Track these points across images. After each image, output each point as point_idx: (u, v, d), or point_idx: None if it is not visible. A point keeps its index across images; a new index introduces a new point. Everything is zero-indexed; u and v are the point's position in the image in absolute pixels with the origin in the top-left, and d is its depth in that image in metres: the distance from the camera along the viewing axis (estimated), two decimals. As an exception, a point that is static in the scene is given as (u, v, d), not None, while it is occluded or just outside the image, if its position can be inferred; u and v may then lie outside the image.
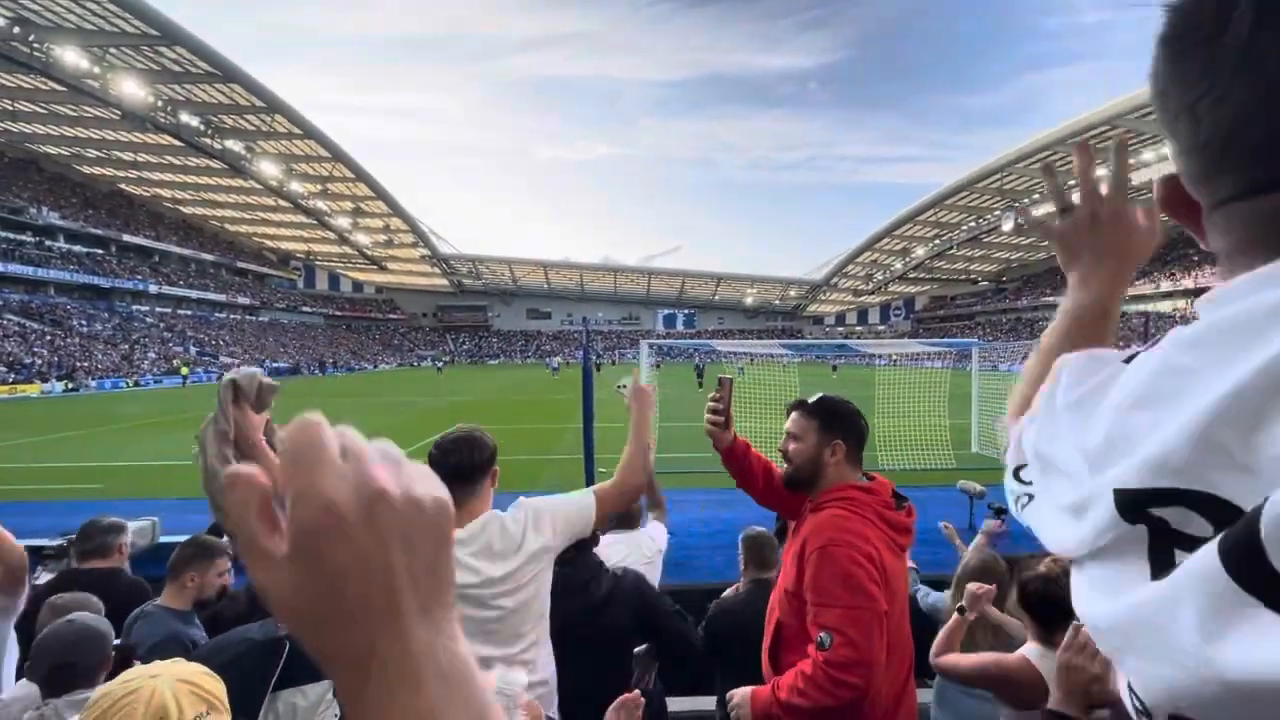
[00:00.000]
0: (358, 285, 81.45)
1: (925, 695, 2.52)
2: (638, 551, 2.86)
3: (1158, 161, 37.11)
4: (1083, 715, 1.22)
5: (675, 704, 2.67)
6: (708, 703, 2.63)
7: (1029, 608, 1.76)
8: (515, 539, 1.73)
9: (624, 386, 1.99)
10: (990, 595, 2.03)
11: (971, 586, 2.05)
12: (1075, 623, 1.33)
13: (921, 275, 76.78)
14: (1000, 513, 6.81)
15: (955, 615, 2.02)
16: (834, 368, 41.88)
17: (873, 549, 1.60)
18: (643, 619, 2.19)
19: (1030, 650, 1.71)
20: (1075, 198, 0.71)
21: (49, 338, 37.37)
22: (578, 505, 1.86)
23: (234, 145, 46.84)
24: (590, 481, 8.81)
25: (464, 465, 1.73)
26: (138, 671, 1.15)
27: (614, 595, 2.14)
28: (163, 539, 2.79)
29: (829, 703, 1.49)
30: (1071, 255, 0.72)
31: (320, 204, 59.46)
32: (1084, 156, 0.68)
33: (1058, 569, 1.76)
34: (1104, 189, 0.69)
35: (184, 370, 39.68)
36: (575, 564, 2.07)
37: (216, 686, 1.18)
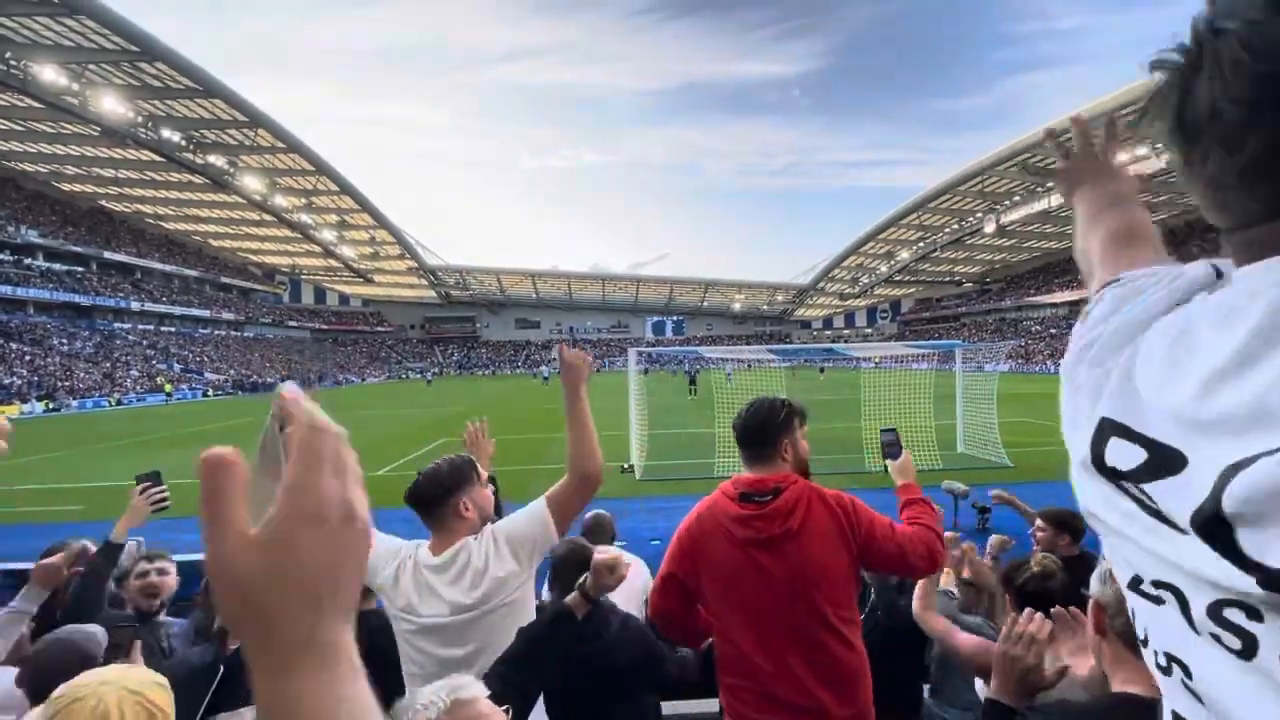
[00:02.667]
0: (344, 298, 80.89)
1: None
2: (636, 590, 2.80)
3: (1130, 162, 37.81)
4: (1019, 703, 1.27)
5: (675, 707, 2.66)
6: (710, 705, 2.65)
7: (1022, 604, 1.81)
8: (481, 567, 1.72)
9: (550, 363, 1.98)
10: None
11: (966, 545, 2.23)
12: (1013, 615, 1.39)
13: (906, 278, 77.57)
14: (984, 511, 6.91)
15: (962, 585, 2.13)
16: (821, 370, 42.21)
17: (689, 524, 1.88)
18: (650, 663, 2.14)
19: None
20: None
21: (28, 357, 36.74)
22: (526, 516, 1.81)
23: (216, 160, 46.47)
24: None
25: (421, 497, 1.79)
26: (90, 676, 1.14)
27: (623, 636, 2.08)
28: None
29: None
30: (1073, 183, 0.85)
31: (305, 217, 59.04)
32: (1078, 124, 0.87)
33: (1053, 565, 1.81)
34: (1094, 135, 0.86)
35: (168, 388, 39.28)
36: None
37: (164, 698, 1.17)
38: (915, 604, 2.07)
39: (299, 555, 0.33)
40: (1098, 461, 0.45)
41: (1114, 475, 0.44)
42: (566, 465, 1.81)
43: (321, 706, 0.33)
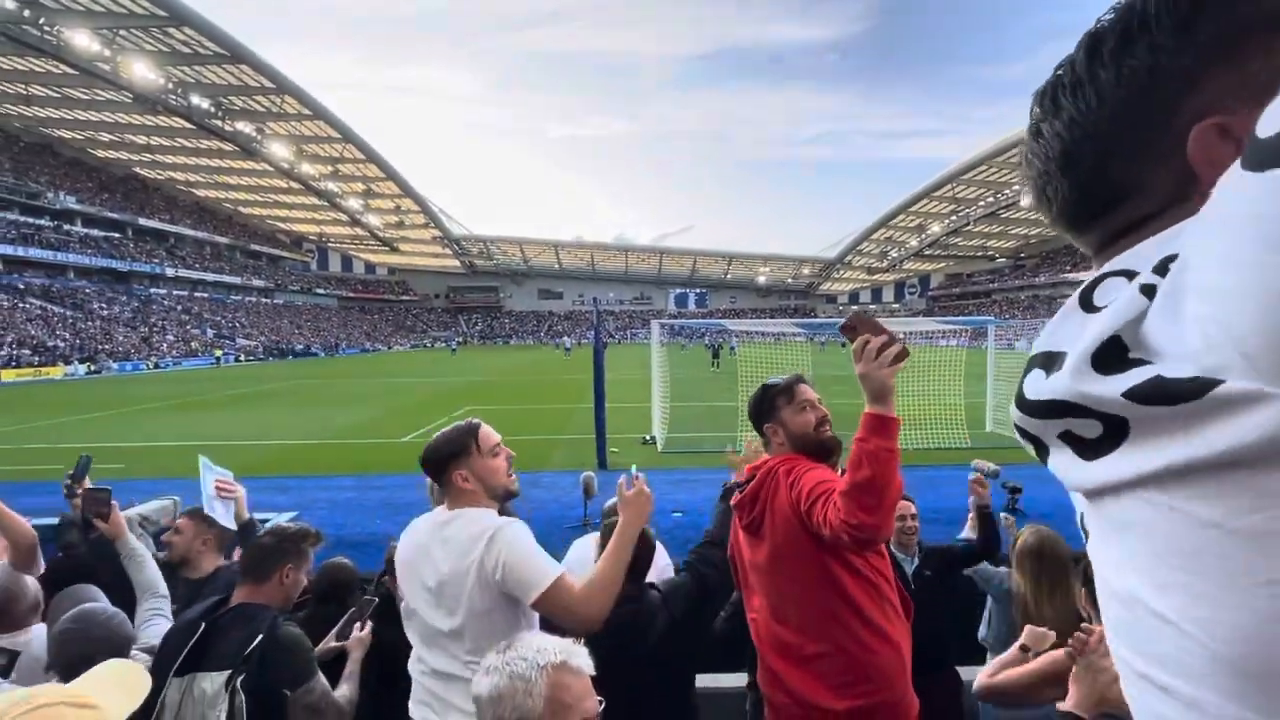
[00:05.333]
0: (370, 267, 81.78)
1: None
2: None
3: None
4: (1097, 715, 1.20)
5: (704, 680, 2.62)
6: (738, 680, 2.64)
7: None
8: (463, 570, 1.61)
9: (631, 476, 1.82)
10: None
11: (1034, 632, 1.81)
12: (1095, 625, 1.30)
13: (937, 252, 75.60)
14: (1015, 491, 6.76)
15: (1016, 650, 1.80)
16: (843, 345, 41.67)
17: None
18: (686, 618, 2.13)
19: None
20: None
21: (70, 321, 38.00)
22: (525, 586, 1.58)
23: (244, 127, 46.83)
24: (602, 460, 8.88)
25: (425, 466, 1.81)
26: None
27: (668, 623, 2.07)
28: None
29: None
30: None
31: (331, 185, 59.48)
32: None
33: None
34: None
35: (217, 353, 41.16)
36: (639, 602, 1.98)
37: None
38: (980, 678, 1.82)
39: None
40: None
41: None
42: (586, 584, 1.63)
43: None
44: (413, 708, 1.69)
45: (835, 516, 1.48)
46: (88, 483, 2.42)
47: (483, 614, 1.61)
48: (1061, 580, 2.16)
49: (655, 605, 2.07)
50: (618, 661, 1.85)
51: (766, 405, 1.91)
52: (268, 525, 2.10)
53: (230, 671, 1.66)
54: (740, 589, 2.00)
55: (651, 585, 2.12)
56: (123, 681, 0.97)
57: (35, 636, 1.93)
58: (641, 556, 2.07)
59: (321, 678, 1.82)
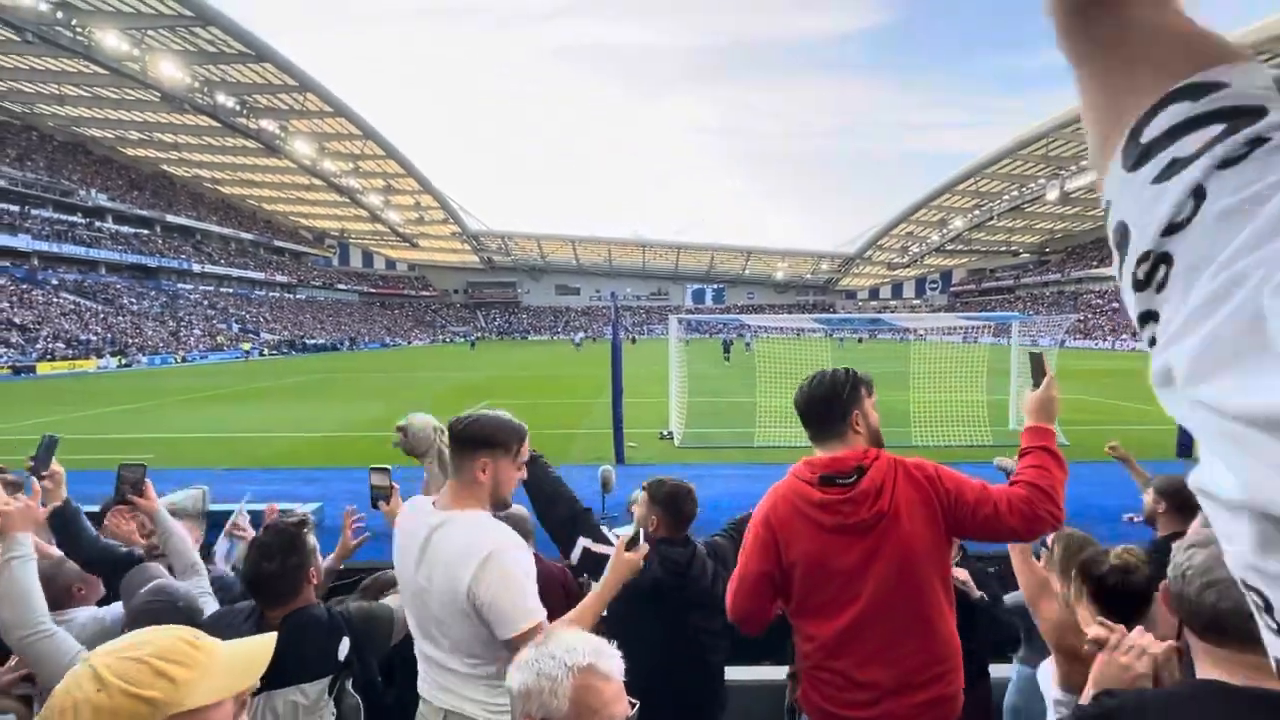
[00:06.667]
0: (390, 263, 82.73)
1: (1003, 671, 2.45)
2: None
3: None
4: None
5: (740, 674, 2.59)
6: (778, 673, 2.63)
7: (1103, 599, 1.70)
8: (463, 577, 1.54)
9: (627, 535, 1.81)
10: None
11: (1097, 633, 1.83)
12: (1120, 627, 1.30)
13: (959, 247, 74.39)
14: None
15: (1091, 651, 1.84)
16: (860, 340, 41.28)
17: (766, 515, 1.76)
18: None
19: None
20: None
21: (102, 315, 39.02)
22: (504, 624, 1.53)
23: (268, 125, 47.58)
24: (620, 454, 8.91)
25: (457, 438, 1.73)
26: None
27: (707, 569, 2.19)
28: (211, 507, 2.92)
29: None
30: None
31: (352, 182, 60.24)
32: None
33: (1134, 560, 1.70)
34: None
35: (245, 346, 42.41)
36: (687, 545, 2.15)
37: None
38: (1016, 556, 1.96)
39: None
40: None
41: None
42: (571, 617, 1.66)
43: None
44: (420, 685, 1.72)
45: (1034, 509, 1.62)
46: (55, 465, 2.12)
47: (465, 628, 1.59)
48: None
49: (701, 553, 2.18)
50: (667, 604, 1.98)
51: (852, 392, 1.79)
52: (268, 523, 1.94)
53: (332, 677, 1.70)
54: (787, 599, 1.78)
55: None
56: (250, 647, 1.00)
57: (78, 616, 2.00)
58: (685, 509, 2.22)
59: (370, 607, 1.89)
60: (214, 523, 2.87)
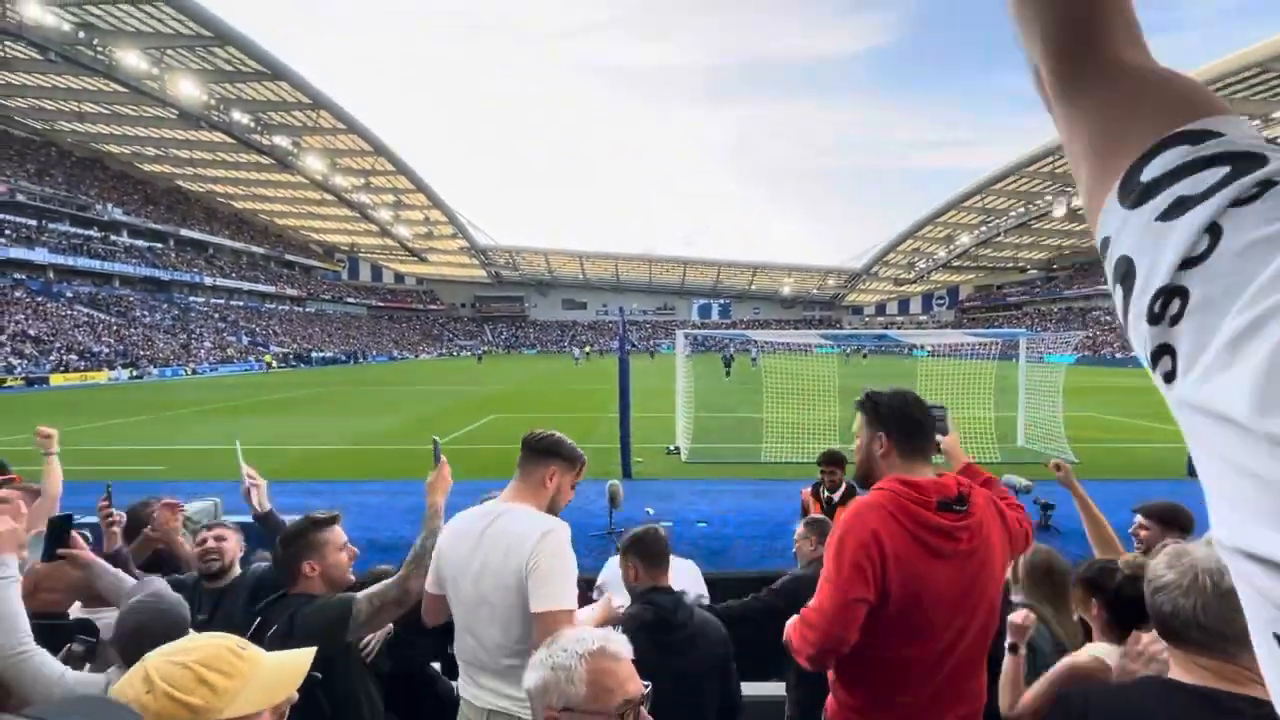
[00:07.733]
0: (399, 277, 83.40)
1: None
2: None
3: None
4: None
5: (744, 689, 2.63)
6: (777, 689, 2.65)
7: (1111, 607, 1.72)
8: (519, 563, 1.67)
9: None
10: (1032, 623, 1.87)
11: (1014, 618, 1.85)
12: (1136, 633, 1.37)
13: (966, 264, 74.29)
14: (1047, 508, 6.63)
15: (1008, 657, 1.83)
16: (864, 356, 41.13)
17: (873, 537, 1.56)
18: (724, 663, 2.04)
19: (1106, 650, 1.67)
20: None
21: (115, 328, 39.48)
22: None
23: (281, 141, 48.36)
24: (627, 469, 8.92)
25: (527, 445, 1.89)
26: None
27: (701, 631, 1.99)
28: (224, 519, 2.99)
29: (796, 649, 1.64)
30: None
31: (363, 197, 60.98)
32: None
33: (1140, 568, 1.73)
34: None
35: (268, 358, 43.25)
36: (652, 596, 1.98)
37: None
38: (1005, 695, 1.83)
39: None
40: None
41: None
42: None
43: None
44: (460, 688, 1.78)
45: (1027, 526, 1.83)
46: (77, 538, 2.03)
47: (514, 607, 1.68)
48: (1065, 592, 2.17)
49: (689, 598, 2.09)
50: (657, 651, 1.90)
51: (896, 414, 1.73)
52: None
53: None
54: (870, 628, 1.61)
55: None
56: (293, 658, 1.05)
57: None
58: (656, 548, 2.09)
59: (358, 595, 1.91)
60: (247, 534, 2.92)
